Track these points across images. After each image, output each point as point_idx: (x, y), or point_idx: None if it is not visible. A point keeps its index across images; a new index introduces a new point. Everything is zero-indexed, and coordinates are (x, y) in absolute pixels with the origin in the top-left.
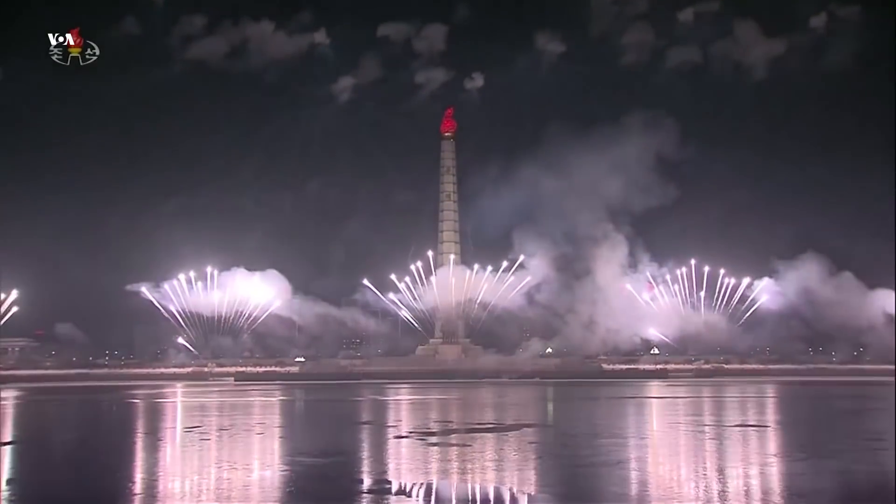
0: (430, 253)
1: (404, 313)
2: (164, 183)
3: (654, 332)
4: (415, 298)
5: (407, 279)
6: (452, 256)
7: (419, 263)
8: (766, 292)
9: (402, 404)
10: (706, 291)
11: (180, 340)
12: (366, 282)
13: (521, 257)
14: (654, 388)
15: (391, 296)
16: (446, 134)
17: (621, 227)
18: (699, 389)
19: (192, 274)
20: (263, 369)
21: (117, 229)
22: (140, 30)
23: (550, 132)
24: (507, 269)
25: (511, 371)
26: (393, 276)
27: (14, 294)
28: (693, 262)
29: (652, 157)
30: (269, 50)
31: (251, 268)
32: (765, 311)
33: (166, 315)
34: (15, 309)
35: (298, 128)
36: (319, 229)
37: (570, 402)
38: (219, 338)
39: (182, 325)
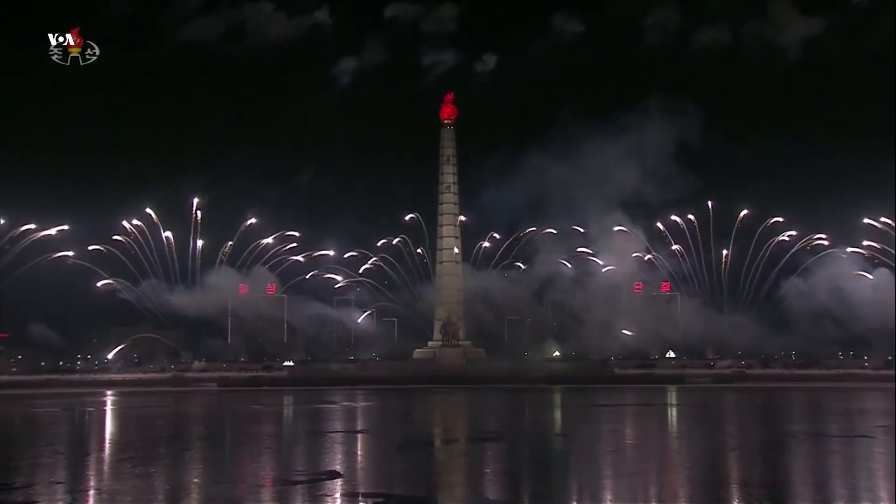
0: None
1: (403, 308)
2: (146, 173)
3: (670, 334)
4: (417, 298)
5: (401, 270)
6: (453, 252)
7: (417, 259)
8: (794, 291)
9: (399, 412)
10: (729, 290)
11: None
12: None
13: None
14: (671, 394)
15: (388, 293)
16: (446, 121)
17: (637, 221)
18: (718, 397)
19: (173, 272)
20: (249, 374)
21: (95, 221)
22: (130, 9)
23: (563, 119)
24: (513, 266)
25: (519, 376)
26: (390, 273)
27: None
28: (715, 258)
29: (672, 145)
30: (269, 31)
31: (237, 265)
32: (794, 311)
33: (147, 316)
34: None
35: (293, 114)
36: (311, 223)
37: (584, 411)
38: (203, 340)
39: (163, 327)
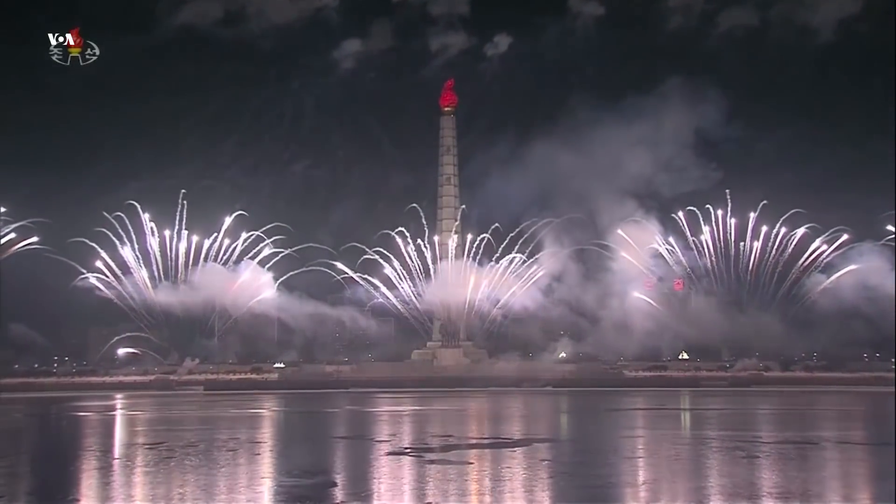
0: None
1: (400, 307)
2: (132, 162)
3: (684, 334)
4: (416, 296)
5: (398, 266)
6: (453, 247)
7: (416, 255)
8: (818, 288)
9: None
10: (749, 287)
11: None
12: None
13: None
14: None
15: (384, 290)
16: (446, 108)
17: (650, 214)
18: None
19: (156, 267)
20: (238, 377)
21: (76, 213)
22: None
23: (574, 105)
24: (518, 261)
25: (527, 379)
26: (387, 268)
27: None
28: (734, 254)
29: (691, 133)
30: (270, 15)
31: (226, 260)
32: (819, 310)
33: (130, 315)
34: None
35: (291, 101)
36: (305, 216)
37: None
38: (191, 340)
39: (146, 326)
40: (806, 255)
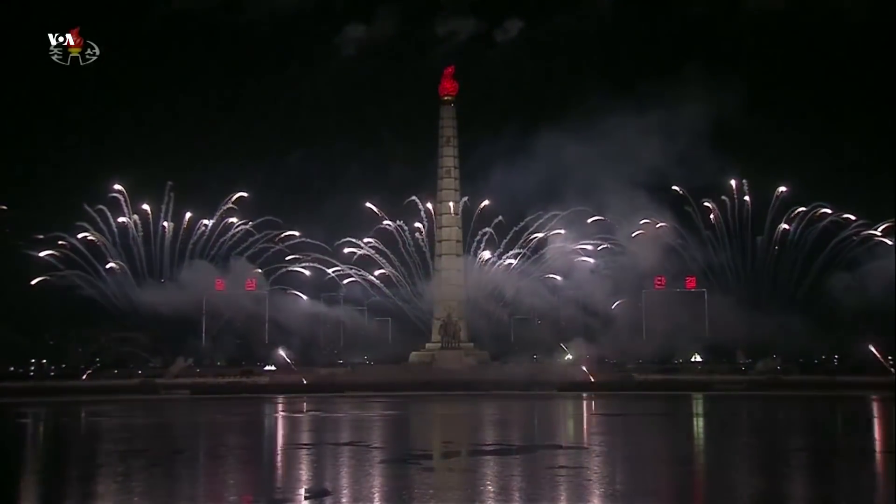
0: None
1: (400, 304)
2: (116, 153)
3: (698, 335)
4: (414, 294)
5: (396, 262)
6: (453, 243)
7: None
8: (840, 286)
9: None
10: (768, 286)
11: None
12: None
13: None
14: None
15: (382, 287)
16: (446, 97)
17: (664, 208)
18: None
19: (141, 264)
20: (226, 380)
21: (56, 205)
22: None
23: (586, 94)
24: (521, 257)
25: (535, 382)
26: (384, 265)
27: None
28: (751, 249)
29: (710, 123)
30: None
31: (213, 257)
32: (843, 310)
33: (115, 315)
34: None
35: (288, 90)
36: (299, 210)
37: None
38: (181, 341)
39: (131, 326)
40: (829, 248)
